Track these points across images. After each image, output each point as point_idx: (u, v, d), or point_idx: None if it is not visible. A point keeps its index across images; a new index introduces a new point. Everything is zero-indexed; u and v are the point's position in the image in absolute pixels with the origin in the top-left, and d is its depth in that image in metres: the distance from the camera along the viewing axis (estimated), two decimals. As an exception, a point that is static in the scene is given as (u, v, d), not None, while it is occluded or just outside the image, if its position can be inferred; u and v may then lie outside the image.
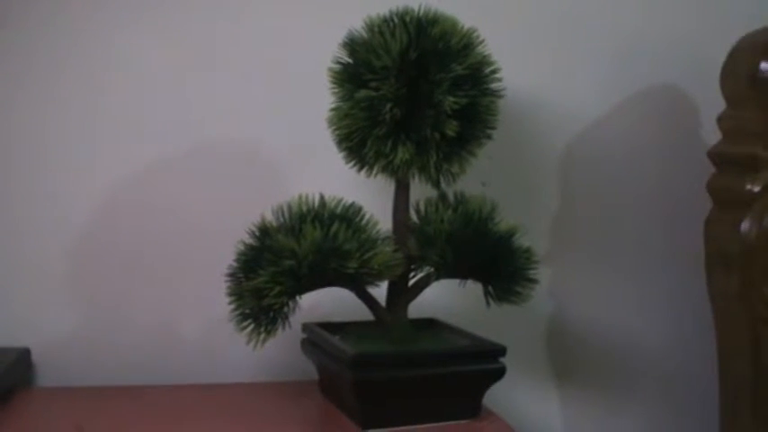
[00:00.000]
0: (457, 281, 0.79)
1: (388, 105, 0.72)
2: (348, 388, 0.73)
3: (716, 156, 0.88)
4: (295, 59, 0.92)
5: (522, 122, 0.97)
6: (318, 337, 0.79)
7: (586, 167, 1.01)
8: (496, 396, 0.78)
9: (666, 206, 1.02)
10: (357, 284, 0.75)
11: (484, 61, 0.75)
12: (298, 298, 0.73)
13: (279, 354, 0.84)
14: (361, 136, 0.74)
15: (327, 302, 0.81)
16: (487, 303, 0.78)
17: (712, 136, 0.90)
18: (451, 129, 0.73)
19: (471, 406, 0.77)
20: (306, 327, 0.82)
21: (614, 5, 1.00)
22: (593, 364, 1.02)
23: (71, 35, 0.89)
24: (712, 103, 0.88)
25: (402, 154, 0.73)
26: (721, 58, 0.87)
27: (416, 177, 0.76)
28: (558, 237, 1.00)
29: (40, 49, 0.88)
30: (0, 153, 0.88)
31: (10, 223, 0.88)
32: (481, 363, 0.76)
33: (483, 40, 0.76)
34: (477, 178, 0.88)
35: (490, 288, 0.78)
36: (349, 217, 0.76)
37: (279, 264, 0.71)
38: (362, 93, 0.73)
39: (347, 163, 0.77)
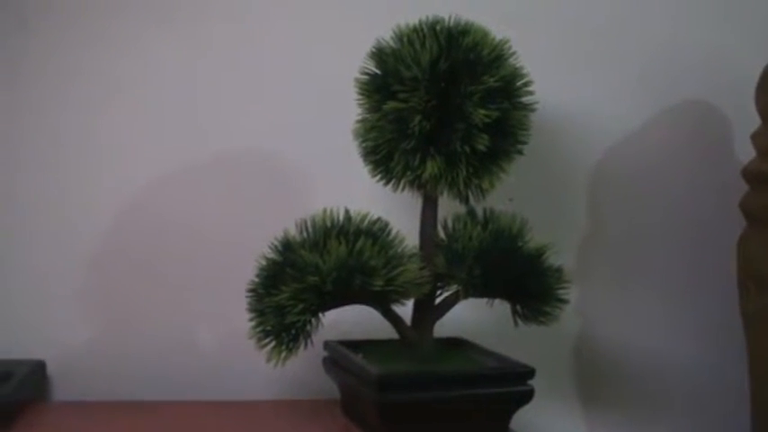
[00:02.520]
0: (481, 299, 0.77)
1: (417, 118, 0.71)
2: (372, 409, 0.70)
3: (750, 174, 0.86)
4: (320, 69, 0.90)
5: (550, 137, 0.95)
6: (340, 355, 0.77)
7: (614, 184, 0.99)
8: (521, 415, 0.76)
9: (697, 224, 1.00)
10: (382, 302, 0.73)
11: (515, 73, 0.73)
12: (321, 315, 0.71)
13: (298, 371, 0.82)
14: (388, 149, 0.73)
15: (347, 319, 0.79)
16: (515, 323, 0.76)
17: (746, 153, 0.87)
18: (482, 143, 0.71)
19: (498, 429, 0.75)
20: (327, 344, 0.80)
21: (646, 19, 0.98)
22: (620, 384, 0.99)
23: (91, 39, 0.87)
24: (746, 119, 0.86)
25: (431, 168, 0.71)
26: (755, 73, 0.85)
27: (445, 193, 0.74)
28: (585, 254, 0.98)
29: (56, 53, 0.87)
30: (10, 163, 0.87)
31: (24, 235, 0.87)
32: (509, 385, 0.74)
33: (514, 52, 0.74)
34: (504, 194, 0.86)
35: (519, 307, 0.76)
36: (375, 232, 0.74)
37: (302, 280, 0.69)
38: (391, 104, 0.71)
39: (373, 176, 0.75)
